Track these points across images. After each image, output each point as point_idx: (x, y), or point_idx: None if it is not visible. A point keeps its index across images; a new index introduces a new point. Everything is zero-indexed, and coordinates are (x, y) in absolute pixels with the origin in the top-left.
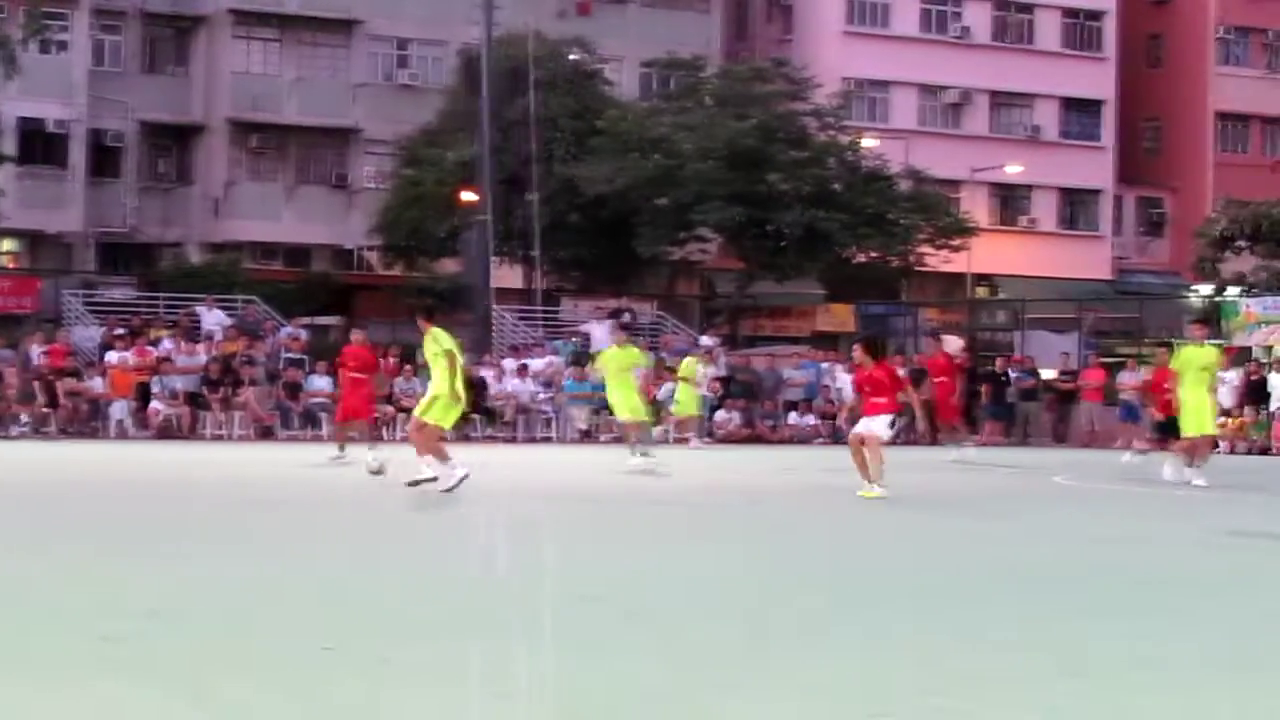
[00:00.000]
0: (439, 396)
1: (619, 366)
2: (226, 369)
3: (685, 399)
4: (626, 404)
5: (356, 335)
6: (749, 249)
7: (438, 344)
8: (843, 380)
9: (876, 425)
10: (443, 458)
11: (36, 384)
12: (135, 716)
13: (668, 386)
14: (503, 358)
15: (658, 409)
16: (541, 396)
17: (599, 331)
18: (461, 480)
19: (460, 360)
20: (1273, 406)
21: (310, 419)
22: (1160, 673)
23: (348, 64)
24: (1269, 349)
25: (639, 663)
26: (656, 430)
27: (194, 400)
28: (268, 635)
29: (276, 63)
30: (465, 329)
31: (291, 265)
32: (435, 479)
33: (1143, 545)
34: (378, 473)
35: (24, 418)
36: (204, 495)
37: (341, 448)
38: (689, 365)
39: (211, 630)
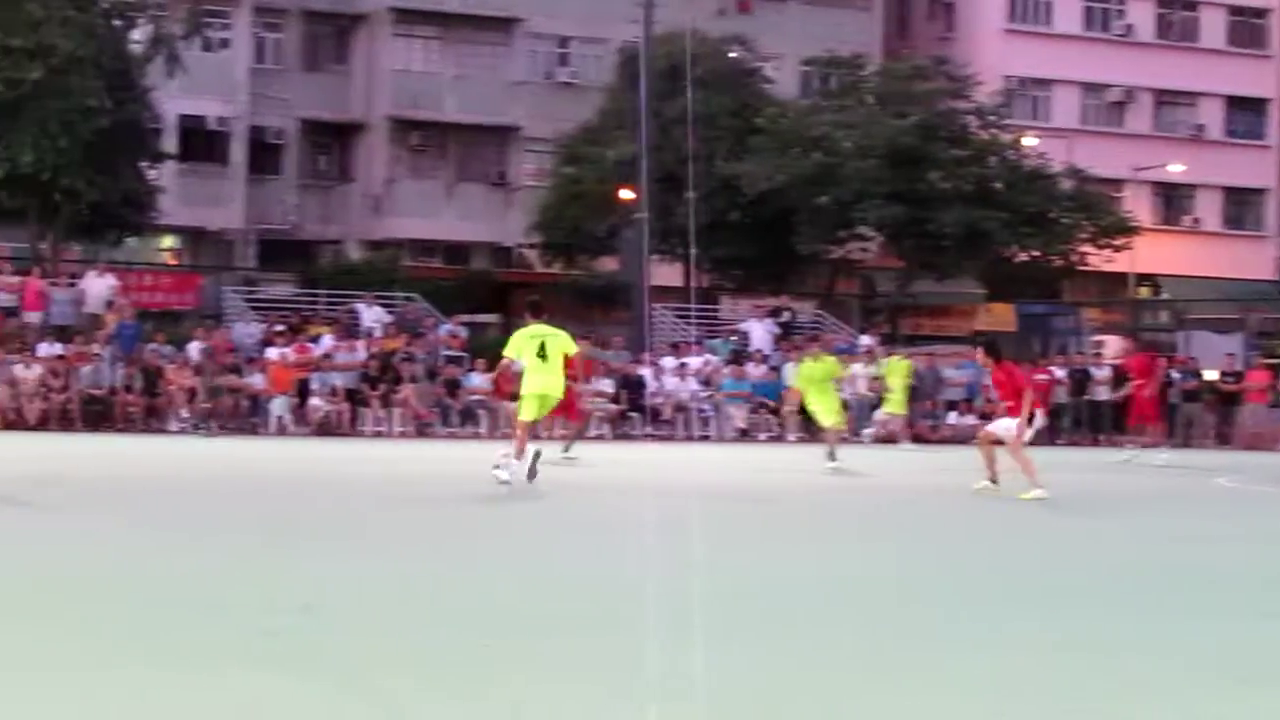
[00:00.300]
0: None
1: (817, 378)
2: (386, 366)
3: (896, 400)
4: (829, 411)
5: (582, 345)
6: (909, 248)
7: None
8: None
9: (1002, 427)
10: (518, 450)
11: (198, 381)
12: (296, 710)
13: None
14: (661, 356)
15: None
16: (700, 395)
17: (758, 330)
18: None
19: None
20: None
21: (469, 416)
22: None
23: (507, 62)
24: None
25: (784, 659)
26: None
27: (353, 397)
28: (425, 631)
29: (437, 60)
30: (622, 327)
31: (450, 263)
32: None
33: None
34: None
35: (184, 413)
36: (362, 491)
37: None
38: (896, 365)
39: (369, 625)
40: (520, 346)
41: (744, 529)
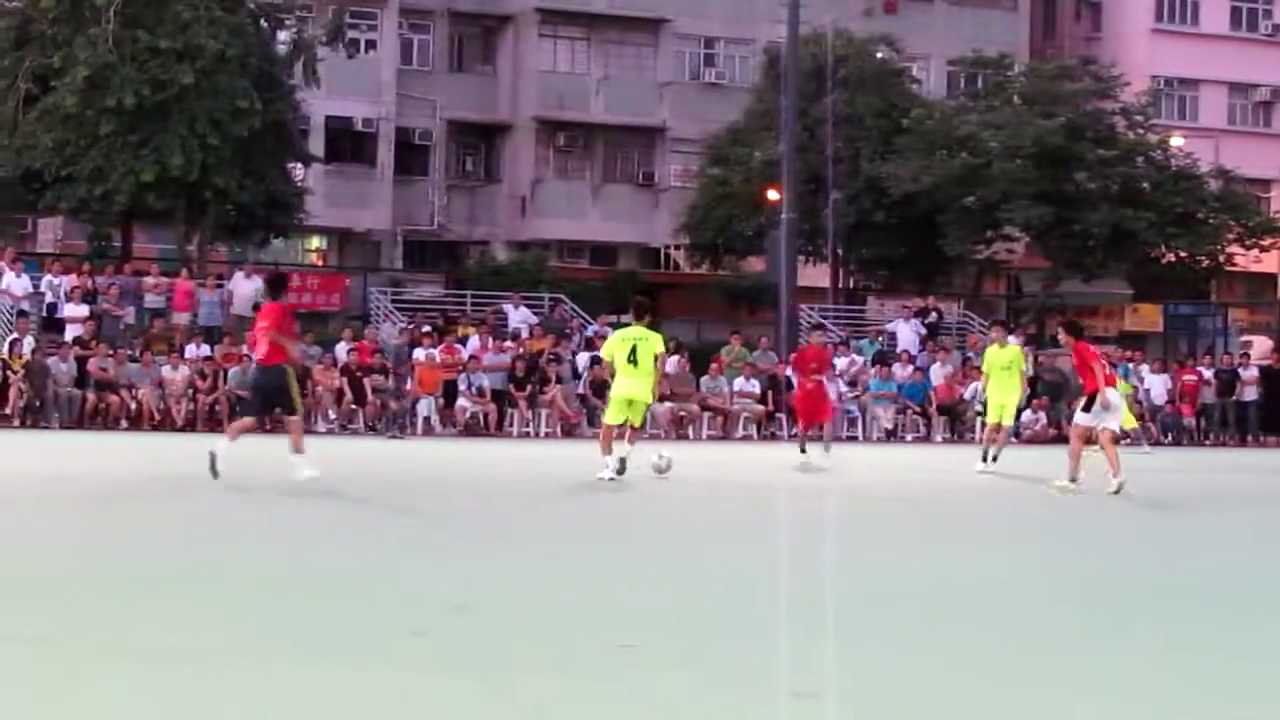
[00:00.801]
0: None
1: (1001, 365)
2: (533, 367)
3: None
4: (1001, 407)
5: (815, 336)
6: (1055, 248)
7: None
8: (1150, 380)
9: (1082, 413)
10: (603, 452)
11: (344, 380)
12: (447, 710)
13: (973, 386)
14: None
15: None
16: (847, 396)
17: (904, 330)
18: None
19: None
20: None
21: None
22: None
23: (654, 63)
24: None
25: (930, 660)
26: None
27: (500, 398)
28: (570, 631)
29: (584, 61)
30: (769, 328)
31: (597, 263)
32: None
33: None
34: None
35: (332, 414)
36: (509, 492)
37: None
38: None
39: (517, 626)
40: (613, 349)
41: (891, 530)
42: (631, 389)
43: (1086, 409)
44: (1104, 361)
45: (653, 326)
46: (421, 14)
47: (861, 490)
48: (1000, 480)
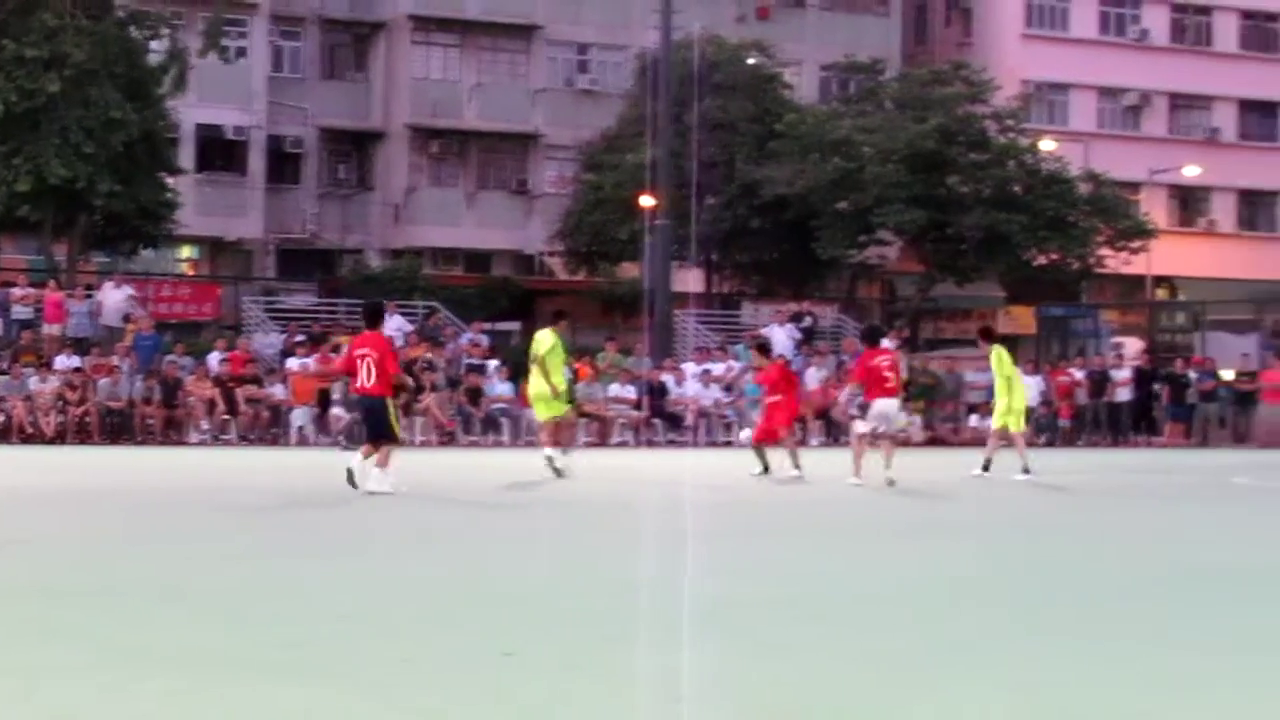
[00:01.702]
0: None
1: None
2: (408, 375)
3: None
4: (1002, 413)
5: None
6: (929, 251)
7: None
8: (1026, 381)
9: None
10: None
11: (217, 391)
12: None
13: (848, 389)
14: (683, 362)
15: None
16: (723, 401)
17: (779, 335)
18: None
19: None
20: None
21: (491, 424)
22: None
23: (528, 69)
24: None
25: (813, 663)
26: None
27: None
28: (453, 639)
29: (456, 68)
30: (644, 334)
31: (472, 271)
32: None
33: None
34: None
35: (204, 424)
36: (385, 501)
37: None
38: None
39: (398, 634)
40: (535, 351)
41: (773, 532)
42: (534, 390)
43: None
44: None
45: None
46: (293, 21)
47: (740, 494)
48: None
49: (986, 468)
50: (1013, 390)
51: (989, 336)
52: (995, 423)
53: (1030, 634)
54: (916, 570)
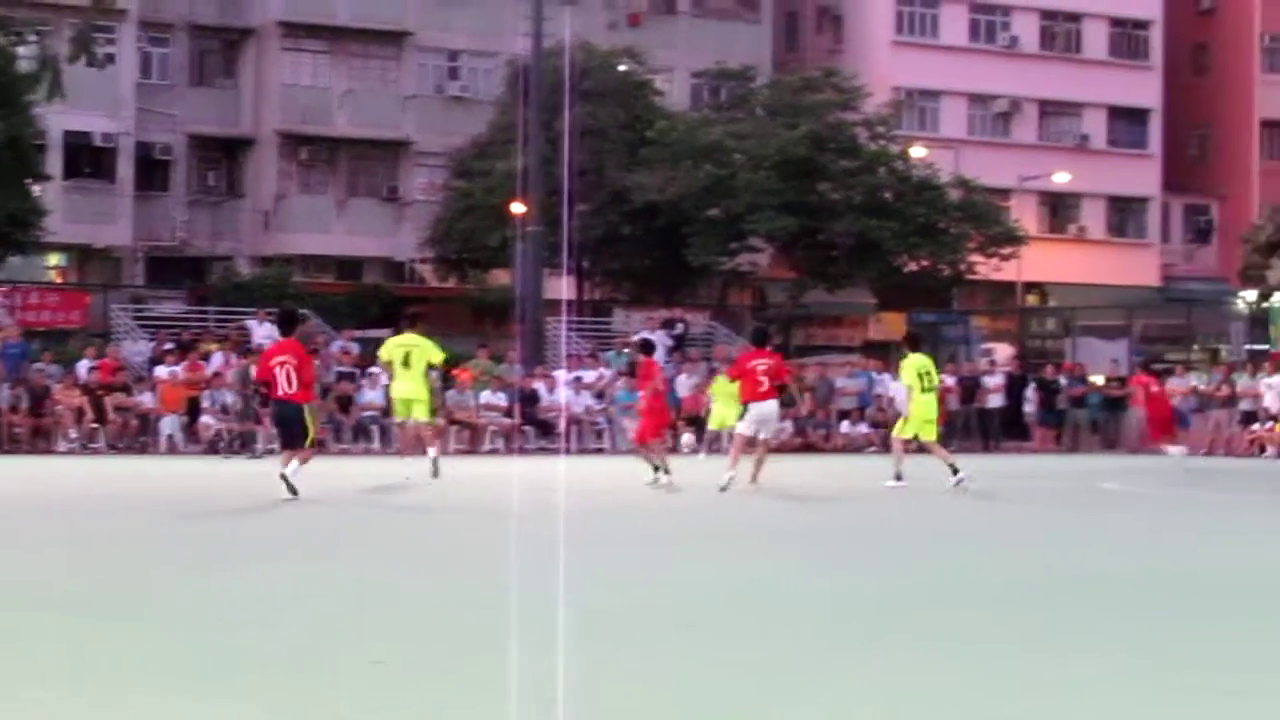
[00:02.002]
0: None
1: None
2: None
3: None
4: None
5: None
6: (801, 258)
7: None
8: (894, 388)
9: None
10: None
11: (85, 399)
12: None
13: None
14: (555, 369)
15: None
16: (594, 408)
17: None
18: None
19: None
20: None
21: (361, 432)
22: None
23: (398, 76)
24: None
25: (687, 672)
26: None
27: (246, 415)
28: (323, 647)
29: (326, 75)
30: (516, 341)
31: (342, 278)
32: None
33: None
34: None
35: (73, 433)
36: (257, 509)
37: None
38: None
39: (270, 643)
40: (390, 353)
41: (643, 540)
42: (404, 390)
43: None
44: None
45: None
46: (161, 27)
47: (613, 500)
48: (760, 488)
49: (899, 477)
50: (919, 400)
51: (911, 343)
52: (903, 432)
53: (901, 639)
54: (787, 576)
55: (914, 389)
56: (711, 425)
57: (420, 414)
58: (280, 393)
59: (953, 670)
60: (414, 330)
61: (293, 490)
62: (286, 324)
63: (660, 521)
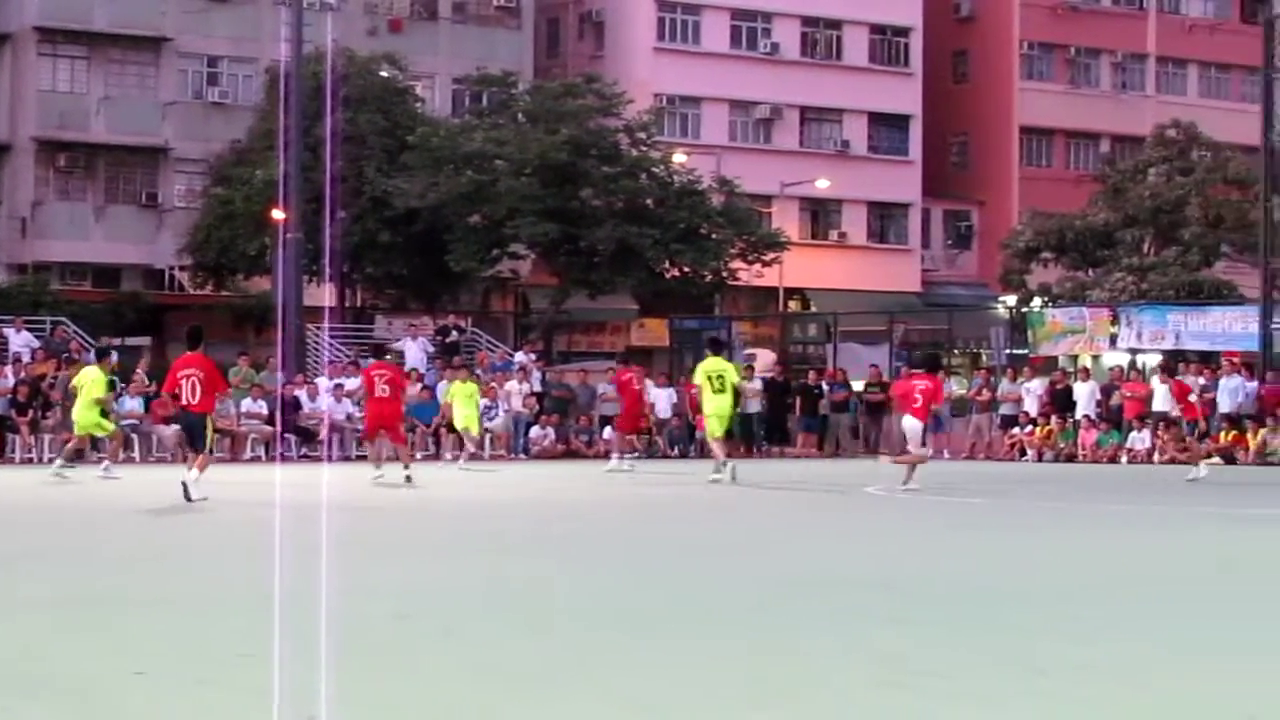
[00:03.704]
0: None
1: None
2: (35, 391)
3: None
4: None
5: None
6: (563, 265)
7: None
8: (656, 394)
9: None
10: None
11: None
12: None
13: (483, 402)
14: (316, 376)
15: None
16: (356, 416)
17: (412, 349)
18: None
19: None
20: (1078, 414)
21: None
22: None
23: (157, 82)
24: (1074, 358)
25: (445, 681)
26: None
27: (1, 424)
28: (81, 661)
29: (84, 80)
30: (276, 348)
31: (101, 285)
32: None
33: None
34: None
35: None
36: (13, 520)
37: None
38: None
39: (25, 654)
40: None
41: (402, 545)
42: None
43: None
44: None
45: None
46: None
47: (372, 508)
48: (503, 496)
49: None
50: (710, 399)
51: (712, 347)
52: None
53: (646, 645)
54: (546, 581)
55: (704, 389)
56: (457, 425)
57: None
58: (185, 402)
59: (691, 675)
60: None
61: (188, 497)
62: (193, 339)
63: (420, 527)
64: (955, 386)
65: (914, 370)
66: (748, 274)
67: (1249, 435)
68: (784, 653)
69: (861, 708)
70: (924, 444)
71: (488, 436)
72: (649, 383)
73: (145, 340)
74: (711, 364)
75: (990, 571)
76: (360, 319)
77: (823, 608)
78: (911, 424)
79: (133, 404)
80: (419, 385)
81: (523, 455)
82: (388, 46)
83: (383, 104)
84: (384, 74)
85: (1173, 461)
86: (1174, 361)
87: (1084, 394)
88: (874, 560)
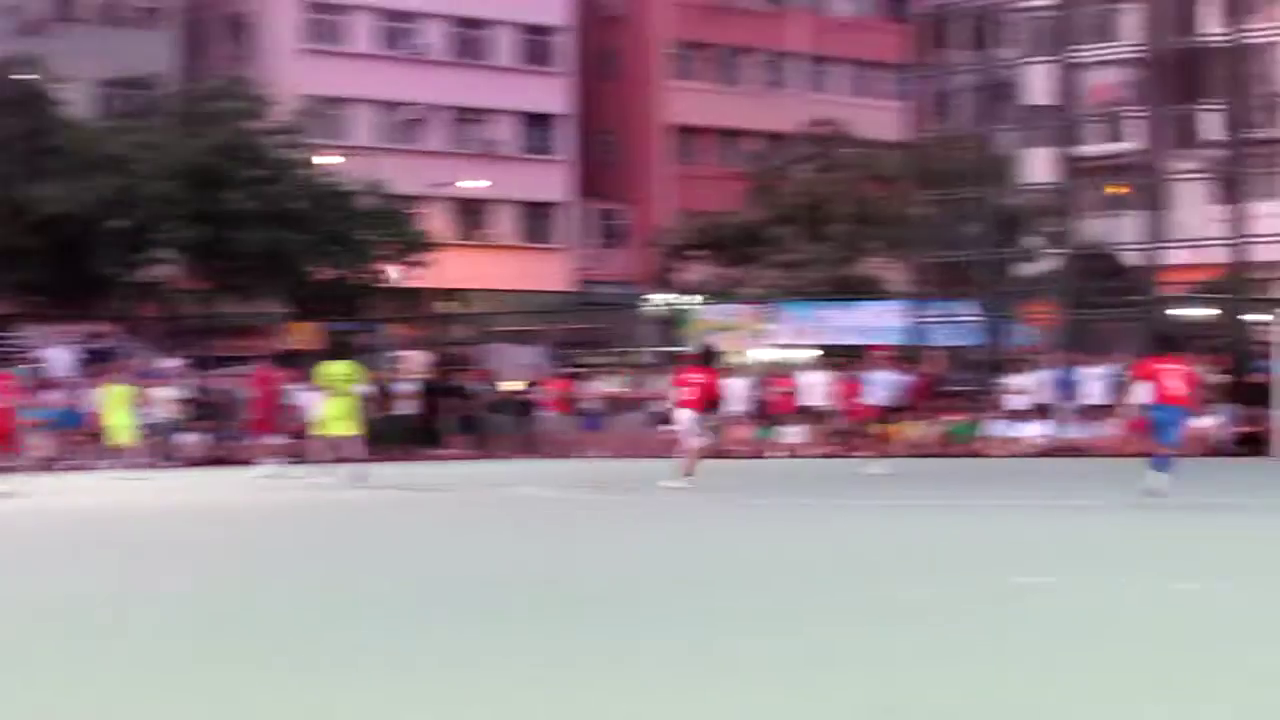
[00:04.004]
0: None
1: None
2: None
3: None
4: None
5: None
6: (211, 269)
7: None
8: (305, 398)
9: None
10: None
11: None
12: None
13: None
14: None
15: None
16: None
17: (61, 355)
18: None
19: None
20: (730, 410)
21: None
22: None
23: None
24: (723, 354)
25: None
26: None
27: None
28: None
29: None
30: None
31: None
32: None
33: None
34: None
35: None
36: None
37: None
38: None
39: None
40: None
41: (42, 551)
42: None
43: None
44: None
45: None
46: None
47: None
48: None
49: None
50: (330, 401)
51: (335, 352)
52: (322, 430)
53: (242, 656)
54: (140, 592)
55: (329, 391)
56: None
57: None
58: None
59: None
60: None
61: None
62: None
63: (69, 533)
64: (604, 385)
65: (688, 365)
66: (400, 276)
67: (899, 428)
68: (400, 667)
69: None
70: (700, 434)
71: (142, 443)
72: (293, 387)
73: None
74: (334, 368)
75: (666, 565)
76: (5, 326)
77: (444, 613)
78: (685, 415)
79: None
80: (65, 392)
81: (172, 461)
82: (30, 48)
83: (23, 107)
84: (23, 77)
85: (828, 456)
86: (836, 358)
87: (736, 390)
88: (496, 560)
